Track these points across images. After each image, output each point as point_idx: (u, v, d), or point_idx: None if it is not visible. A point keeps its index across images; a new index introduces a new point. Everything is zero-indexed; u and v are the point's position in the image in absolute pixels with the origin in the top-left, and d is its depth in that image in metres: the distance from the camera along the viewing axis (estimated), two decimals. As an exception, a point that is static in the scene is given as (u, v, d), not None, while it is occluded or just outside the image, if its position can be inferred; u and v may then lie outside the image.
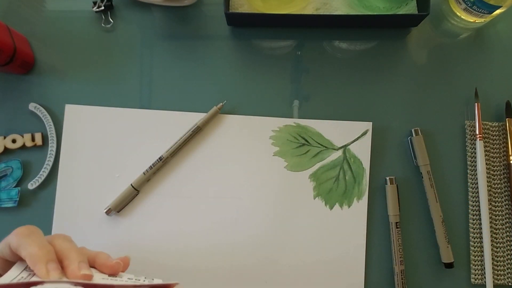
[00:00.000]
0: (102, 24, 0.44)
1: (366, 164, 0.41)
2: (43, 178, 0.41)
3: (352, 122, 0.42)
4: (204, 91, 0.43)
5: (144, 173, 0.41)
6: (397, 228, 0.40)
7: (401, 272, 0.39)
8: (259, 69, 0.44)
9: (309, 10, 0.44)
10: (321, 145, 0.42)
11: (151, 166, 0.41)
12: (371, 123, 0.42)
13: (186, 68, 0.44)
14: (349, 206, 0.41)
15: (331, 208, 0.41)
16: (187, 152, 0.42)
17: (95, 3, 0.44)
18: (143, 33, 0.45)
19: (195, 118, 0.41)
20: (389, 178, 0.41)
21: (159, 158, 0.40)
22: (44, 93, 0.43)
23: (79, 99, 0.43)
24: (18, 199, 0.41)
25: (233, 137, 0.42)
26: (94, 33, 0.44)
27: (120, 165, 0.41)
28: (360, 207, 0.41)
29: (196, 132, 0.41)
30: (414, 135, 0.41)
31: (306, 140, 0.42)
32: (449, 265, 0.40)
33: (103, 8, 0.44)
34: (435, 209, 0.40)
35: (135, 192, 0.40)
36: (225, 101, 0.42)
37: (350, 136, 0.42)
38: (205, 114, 0.41)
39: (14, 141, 0.41)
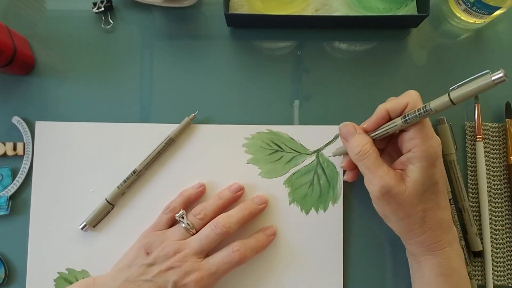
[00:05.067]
0: (102, 25, 0.45)
1: (340, 168, 0.41)
2: (12, 191, 0.41)
3: (323, 126, 0.42)
4: (204, 92, 0.43)
5: (118, 187, 0.40)
6: (451, 205, 0.40)
7: (462, 248, 0.39)
8: (259, 69, 0.44)
9: (308, 11, 0.44)
10: (294, 150, 0.42)
11: (125, 180, 0.40)
12: None
13: (186, 69, 0.44)
14: (325, 210, 0.41)
15: (307, 213, 0.41)
16: (161, 164, 0.41)
17: (95, 4, 0.44)
18: (143, 34, 0.45)
19: (168, 129, 0.41)
20: None
21: (133, 172, 0.40)
22: (44, 94, 0.43)
23: (79, 100, 0.43)
24: (7, 206, 0.40)
25: (206, 147, 0.42)
26: (94, 34, 0.44)
27: (94, 180, 0.41)
28: (336, 210, 0.41)
29: (169, 144, 0.41)
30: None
31: (279, 146, 0.42)
32: (478, 254, 0.40)
33: (103, 9, 0.44)
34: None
35: (110, 207, 0.40)
36: (197, 111, 0.42)
37: (322, 140, 0.42)
38: (178, 125, 0.41)
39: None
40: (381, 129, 0.35)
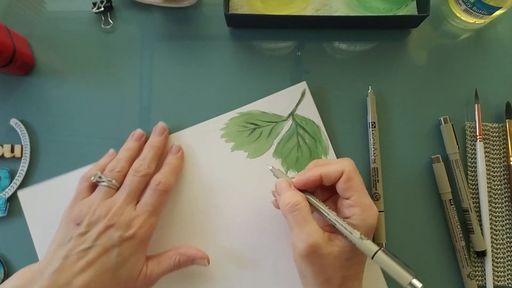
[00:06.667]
0: (102, 25, 0.44)
1: (318, 121, 0.42)
2: (10, 193, 0.41)
3: (287, 89, 0.43)
4: (204, 92, 0.43)
5: None
6: (451, 205, 0.40)
7: (463, 248, 0.40)
8: (259, 69, 0.44)
9: (308, 11, 0.44)
10: (270, 122, 0.42)
11: None
12: (304, 82, 0.43)
13: (186, 69, 0.44)
14: None
15: None
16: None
17: (94, 4, 0.44)
18: (143, 34, 0.45)
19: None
20: (435, 157, 0.41)
21: None
22: (43, 95, 0.43)
23: (78, 100, 0.43)
24: (5, 208, 0.40)
25: (187, 151, 0.42)
26: (94, 34, 0.44)
27: None
28: None
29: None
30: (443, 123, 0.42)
31: (255, 124, 0.42)
32: (482, 253, 0.40)
33: (102, 9, 0.44)
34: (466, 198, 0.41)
35: None
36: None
37: (292, 102, 0.42)
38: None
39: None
40: (314, 203, 0.34)
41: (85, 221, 0.35)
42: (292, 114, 0.42)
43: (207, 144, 0.42)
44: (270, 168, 0.37)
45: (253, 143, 0.42)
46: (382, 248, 0.29)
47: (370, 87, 0.42)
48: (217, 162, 0.42)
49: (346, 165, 0.33)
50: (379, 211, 0.40)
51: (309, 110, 0.42)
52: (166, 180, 0.38)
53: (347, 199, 0.33)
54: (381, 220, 0.40)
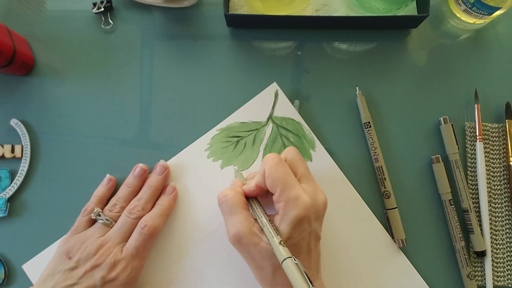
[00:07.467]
0: (102, 26, 0.45)
1: (298, 118, 0.42)
2: (10, 193, 0.41)
3: (259, 94, 0.43)
4: (204, 92, 0.43)
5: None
6: (451, 205, 0.40)
7: (462, 248, 0.40)
8: (259, 69, 0.44)
9: (308, 12, 0.44)
10: (251, 130, 0.42)
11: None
12: (275, 83, 0.43)
13: (186, 69, 0.44)
14: (311, 160, 0.41)
15: None
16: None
17: (94, 5, 0.44)
18: (143, 34, 0.45)
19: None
20: (435, 157, 0.41)
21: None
22: (43, 95, 0.43)
23: (78, 100, 0.43)
24: (5, 208, 0.40)
25: (180, 182, 0.41)
26: (94, 35, 0.44)
27: None
28: (320, 154, 0.42)
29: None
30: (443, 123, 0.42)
31: (237, 136, 0.42)
32: (481, 254, 0.40)
33: (102, 9, 0.44)
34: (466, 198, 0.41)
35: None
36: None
37: (268, 105, 0.42)
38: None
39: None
40: (251, 207, 0.35)
41: (75, 256, 0.36)
42: (270, 117, 0.42)
43: (195, 168, 0.41)
44: (235, 169, 0.40)
45: (240, 155, 0.42)
46: (292, 257, 0.30)
47: (357, 88, 0.42)
48: (210, 183, 0.41)
49: (267, 165, 0.34)
50: (392, 208, 0.40)
51: (286, 109, 0.42)
52: (152, 224, 0.37)
53: (273, 195, 0.34)
54: (396, 217, 0.40)
